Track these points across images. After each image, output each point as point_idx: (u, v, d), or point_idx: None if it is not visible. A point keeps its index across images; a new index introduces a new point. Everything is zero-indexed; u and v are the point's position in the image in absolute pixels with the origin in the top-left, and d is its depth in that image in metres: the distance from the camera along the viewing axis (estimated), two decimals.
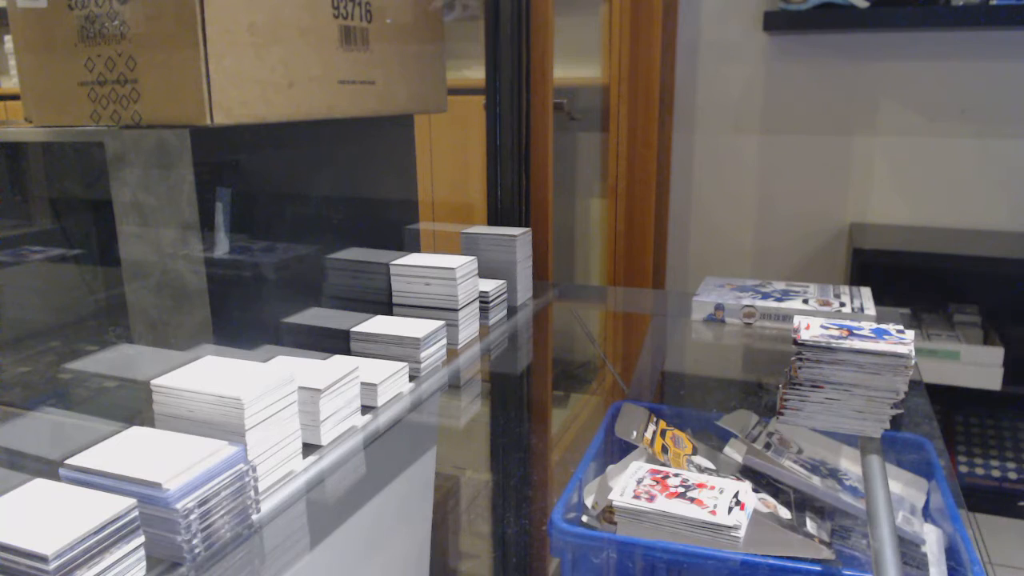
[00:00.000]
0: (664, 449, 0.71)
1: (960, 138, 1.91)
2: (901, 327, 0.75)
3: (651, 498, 0.59)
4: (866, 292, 1.17)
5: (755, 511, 0.62)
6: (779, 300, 1.13)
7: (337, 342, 0.91)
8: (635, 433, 0.72)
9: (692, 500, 0.59)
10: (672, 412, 0.82)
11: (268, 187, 0.89)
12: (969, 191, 1.94)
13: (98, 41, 0.78)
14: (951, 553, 0.59)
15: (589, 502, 0.69)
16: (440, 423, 0.89)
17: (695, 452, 0.73)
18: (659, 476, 0.62)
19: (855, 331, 0.73)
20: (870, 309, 1.08)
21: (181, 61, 0.74)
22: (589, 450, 0.74)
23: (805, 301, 1.13)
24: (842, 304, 1.11)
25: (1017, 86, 1.85)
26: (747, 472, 0.72)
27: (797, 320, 0.76)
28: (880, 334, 0.73)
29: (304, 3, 0.86)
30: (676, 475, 0.62)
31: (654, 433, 0.73)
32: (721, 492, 0.60)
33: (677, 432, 0.75)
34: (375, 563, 0.66)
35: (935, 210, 1.97)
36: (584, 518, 0.67)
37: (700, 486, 0.61)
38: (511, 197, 1.35)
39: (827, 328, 0.73)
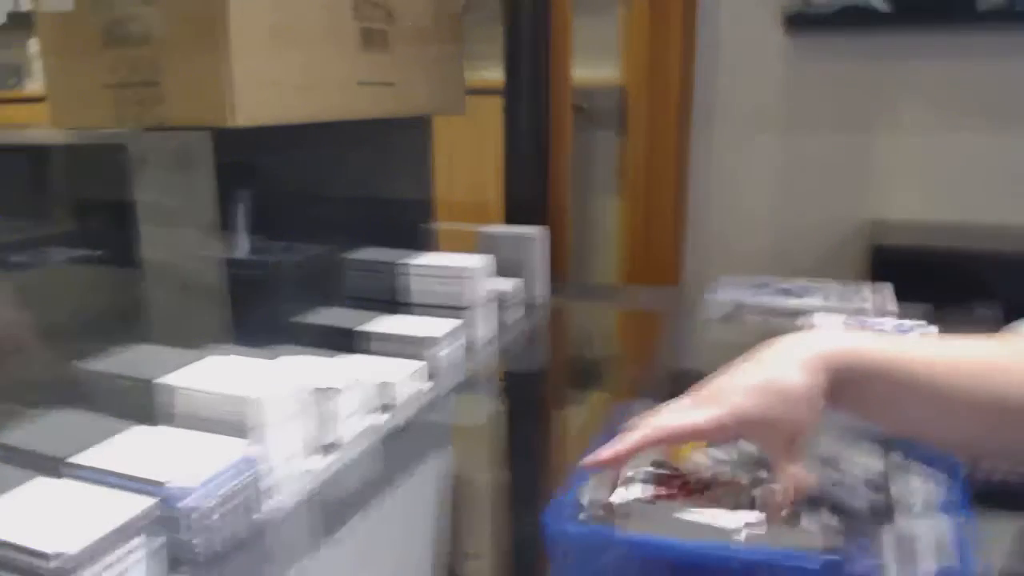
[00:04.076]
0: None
1: (982, 135, 1.89)
2: (923, 323, 0.75)
3: (658, 497, 0.59)
4: (887, 289, 1.16)
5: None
6: (799, 297, 1.13)
7: (354, 341, 0.92)
8: None
9: (701, 498, 0.58)
10: None
11: (287, 188, 0.90)
12: (991, 188, 1.92)
13: (122, 44, 0.79)
14: (956, 549, 0.58)
15: (592, 500, 0.69)
16: (456, 422, 0.89)
17: (710, 444, 0.73)
18: (667, 474, 0.62)
19: (877, 328, 0.73)
20: (891, 306, 1.08)
21: (204, 63, 0.75)
22: (590, 448, 0.74)
23: (825, 298, 1.12)
24: (863, 301, 1.10)
25: None
26: (765, 464, 0.71)
27: (817, 317, 0.75)
28: (902, 331, 0.72)
29: (325, 5, 0.87)
30: (684, 473, 0.62)
31: None
32: (731, 491, 0.59)
33: None
34: (388, 561, 0.66)
35: (956, 207, 1.95)
36: (586, 516, 0.67)
37: (709, 484, 0.60)
38: (529, 197, 1.35)
39: (848, 325, 0.73)
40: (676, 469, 0.63)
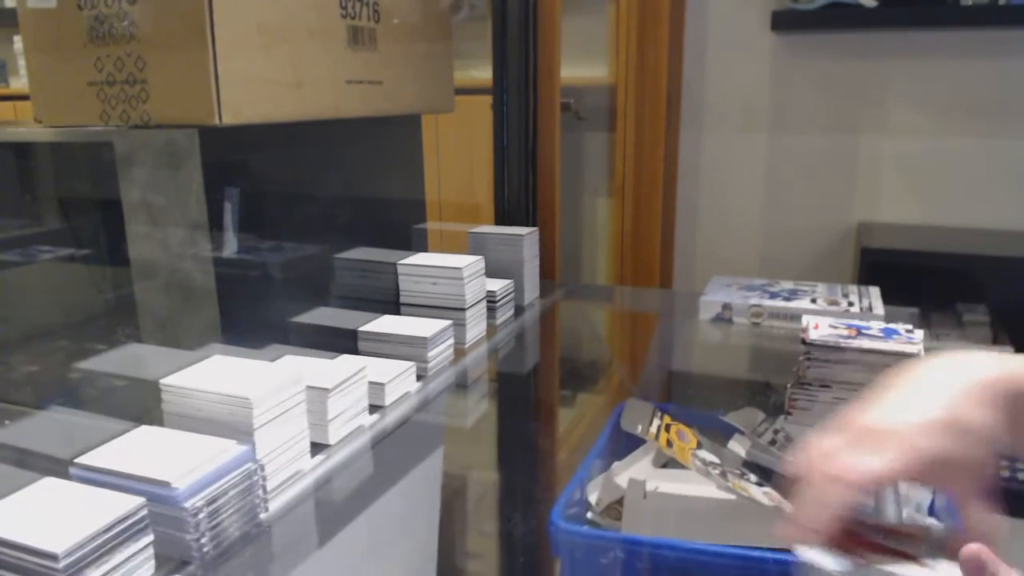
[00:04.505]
0: (669, 443, 0.71)
1: (969, 137, 1.91)
2: (910, 327, 0.75)
3: (859, 554, 0.53)
4: (874, 291, 1.17)
5: (761, 504, 0.62)
6: (787, 299, 1.13)
7: (345, 341, 0.91)
8: (640, 427, 0.72)
9: (901, 554, 0.54)
10: (679, 411, 0.82)
11: (276, 187, 0.89)
12: (978, 190, 1.93)
13: (107, 41, 0.78)
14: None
15: (593, 499, 0.69)
16: (447, 422, 0.89)
17: (700, 446, 0.73)
18: (853, 525, 0.55)
19: (864, 331, 0.73)
20: (878, 308, 1.08)
21: (190, 61, 0.74)
22: (593, 448, 0.74)
23: (813, 300, 1.12)
24: (850, 303, 1.10)
25: None
26: (751, 466, 0.71)
27: (805, 319, 0.76)
28: (889, 334, 0.73)
29: (312, 3, 0.86)
30: (867, 524, 0.56)
31: (659, 428, 0.73)
32: (917, 539, 0.55)
33: (682, 427, 0.75)
34: (383, 562, 0.66)
35: (944, 209, 1.96)
36: (588, 515, 0.67)
37: (893, 532, 0.56)
38: (518, 197, 1.35)
39: (835, 328, 0.73)
40: (859, 521, 0.55)
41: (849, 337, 0.70)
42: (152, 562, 0.53)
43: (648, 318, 1.34)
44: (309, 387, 0.71)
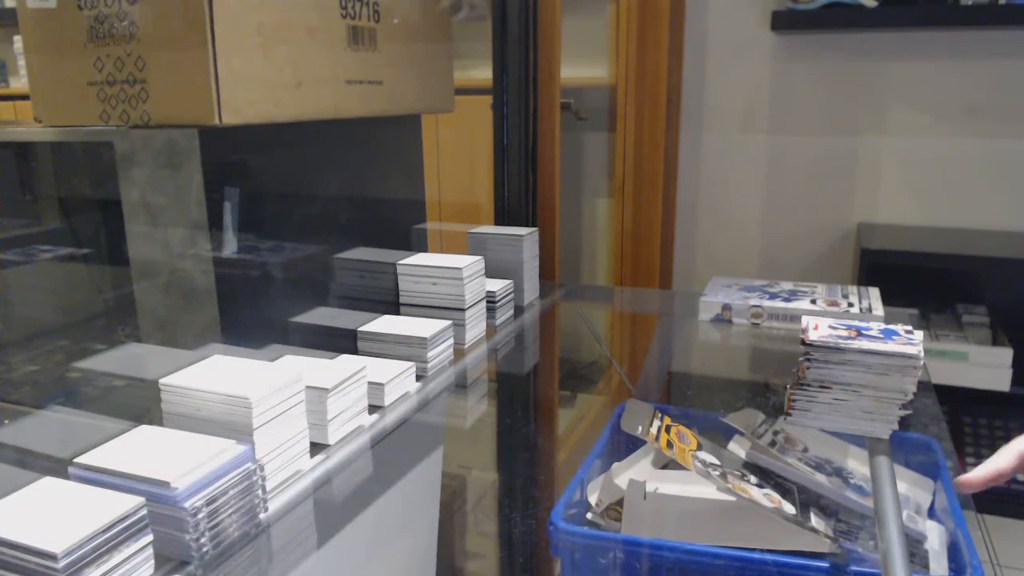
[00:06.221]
0: (669, 444, 0.71)
1: (969, 138, 1.91)
2: (910, 327, 0.75)
3: None
4: (874, 292, 1.17)
5: (760, 505, 0.62)
6: (787, 300, 1.13)
7: (344, 341, 0.91)
8: (640, 428, 0.72)
9: None
10: (679, 412, 0.82)
11: (276, 187, 0.89)
12: (978, 191, 1.93)
13: (107, 41, 0.78)
14: (953, 552, 0.59)
15: (593, 500, 0.69)
16: (447, 423, 0.89)
17: (700, 448, 0.73)
18: None
19: (863, 331, 0.73)
20: (878, 309, 1.08)
21: (190, 61, 0.74)
22: (593, 449, 0.74)
23: (813, 301, 1.12)
24: (850, 304, 1.10)
25: None
26: (751, 468, 0.71)
27: (805, 320, 0.75)
28: (889, 335, 0.72)
29: (312, 3, 0.86)
30: None
31: (659, 428, 0.73)
32: None
33: (682, 428, 0.75)
34: (382, 562, 0.66)
35: (943, 210, 1.97)
36: (588, 515, 0.67)
37: None
38: (518, 197, 1.35)
39: (835, 328, 0.73)
40: None
41: (849, 338, 0.70)
42: (151, 562, 0.53)
43: (648, 318, 1.34)
44: (309, 387, 0.70)
